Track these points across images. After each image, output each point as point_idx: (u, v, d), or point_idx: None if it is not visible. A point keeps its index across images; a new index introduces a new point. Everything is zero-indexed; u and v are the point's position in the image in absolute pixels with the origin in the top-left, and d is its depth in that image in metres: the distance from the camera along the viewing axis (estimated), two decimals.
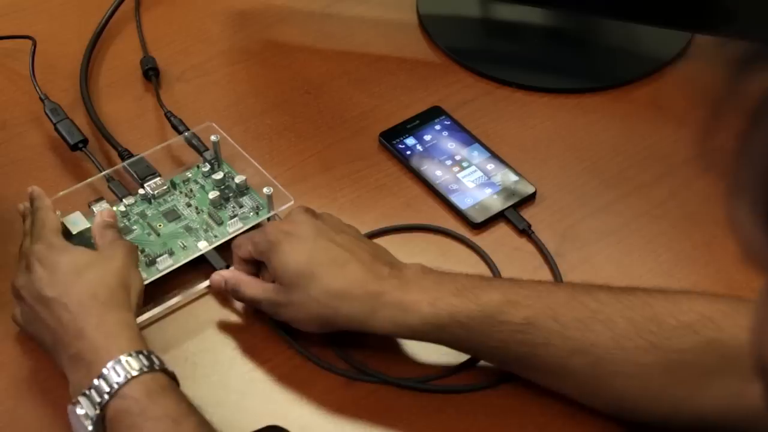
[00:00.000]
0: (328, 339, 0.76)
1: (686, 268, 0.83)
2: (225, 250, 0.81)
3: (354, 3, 1.09)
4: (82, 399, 0.65)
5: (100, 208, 0.83)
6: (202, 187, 0.86)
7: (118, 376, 0.65)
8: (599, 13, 1.01)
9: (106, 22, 1.04)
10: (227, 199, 0.85)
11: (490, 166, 0.90)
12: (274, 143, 0.93)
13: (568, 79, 1.00)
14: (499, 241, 0.85)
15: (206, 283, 0.80)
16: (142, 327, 0.77)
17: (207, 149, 0.88)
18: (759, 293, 0.40)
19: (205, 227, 0.83)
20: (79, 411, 0.65)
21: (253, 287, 0.76)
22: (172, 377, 0.68)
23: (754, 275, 0.40)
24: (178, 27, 1.06)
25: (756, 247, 0.38)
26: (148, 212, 0.84)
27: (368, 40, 1.05)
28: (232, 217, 0.83)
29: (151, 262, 0.80)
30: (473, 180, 0.89)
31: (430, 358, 0.76)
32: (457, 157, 0.91)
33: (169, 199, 0.85)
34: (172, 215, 0.84)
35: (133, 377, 0.65)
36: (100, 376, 0.65)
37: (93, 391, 0.65)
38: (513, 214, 0.86)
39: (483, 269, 0.83)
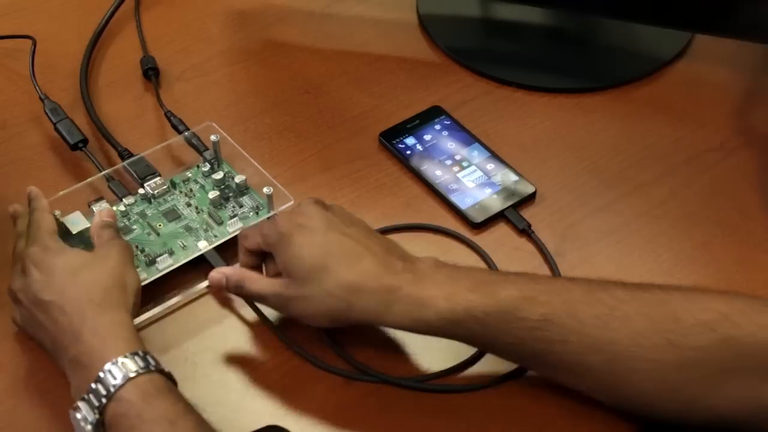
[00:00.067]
0: (328, 339, 0.76)
1: (686, 268, 0.83)
2: (225, 250, 0.81)
3: (354, 3, 1.09)
4: (81, 404, 0.65)
5: (100, 207, 0.83)
6: (202, 186, 0.86)
7: (114, 379, 0.65)
8: (599, 13, 1.01)
9: (106, 21, 1.04)
10: (227, 199, 0.85)
11: (490, 166, 0.90)
12: (274, 143, 0.93)
13: (568, 79, 1.00)
14: (499, 240, 0.85)
15: (206, 282, 0.79)
16: (142, 327, 0.77)
17: (207, 149, 0.88)
18: None
19: (205, 227, 0.83)
20: (79, 416, 0.65)
21: (259, 282, 0.74)
22: (169, 377, 0.67)
23: (754, 275, 0.40)
24: (178, 27, 1.06)
25: None
26: (148, 212, 0.84)
27: (368, 40, 1.05)
28: (232, 217, 0.83)
29: (151, 262, 0.80)
30: (473, 180, 0.89)
31: (430, 358, 0.76)
32: (457, 157, 0.91)
33: (169, 198, 0.85)
34: (172, 215, 0.84)
35: (129, 379, 0.65)
36: (97, 380, 0.65)
37: (91, 396, 0.65)
38: (513, 213, 0.86)
39: None
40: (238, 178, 0.85)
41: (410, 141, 0.92)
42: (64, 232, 0.80)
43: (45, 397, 0.73)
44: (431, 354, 0.76)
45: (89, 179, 0.86)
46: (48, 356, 0.72)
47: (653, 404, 0.68)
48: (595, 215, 0.87)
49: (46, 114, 0.91)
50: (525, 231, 0.85)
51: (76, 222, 0.81)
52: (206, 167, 0.87)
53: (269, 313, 0.78)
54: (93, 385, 0.65)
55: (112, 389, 0.64)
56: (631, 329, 0.66)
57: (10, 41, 1.01)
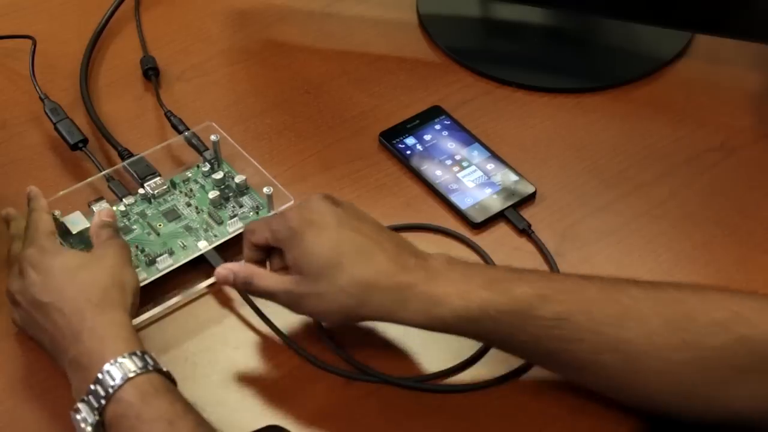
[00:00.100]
0: (328, 339, 0.76)
1: (686, 268, 0.83)
2: (225, 249, 0.81)
3: (354, 2, 1.09)
4: (81, 405, 0.65)
5: (100, 207, 0.83)
6: (202, 186, 0.86)
7: (113, 380, 0.64)
8: (599, 13, 1.01)
9: (106, 21, 1.04)
10: (227, 199, 0.85)
11: (490, 166, 0.90)
12: (274, 143, 0.93)
13: (568, 79, 1.00)
14: (499, 240, 0.85)
15: (206, 283, 0.80)
16: (142, 327, 0.77)
17: (207, 149, 0.88)
18: None
19: (205, 227, 0.83)
20: (79, 417, 0.65)
21: (268, 279, 0.72)
22: (168, 377, 0.67)
23: (754, 275, 0.40)
24: (178, 27, 1.06)
25: None
26: (148, 212, 0.84)
27: (368, 40, 1.05)
28: (232, 217, 0.83)
29: (151, 262, 0.80)
30: (473, 180, 0.89)
31: (430, 358, 0.76)
32: (457, 157, 0.91)
33: (169, 198, 0.85)
34: (172, 215, 0.84)
35: (128, 380, 0.64)
36: (96, 381, 0.65)
37: (91, 397, 0.65)
38: (513, 213, 0.86)
39: None
40: (238, 178, 0.85)
41: (410, 141, 0.92)
42: (64, 232, 0.80)
43: (45, 397, 0.73)
44: (431, 354, 0.76)
45: (89, 179, 0.86)
46: (48, 356, 0.72)
47: (668, 403, 0.67)
48: (595, 215, 0.87)
49: (46, 114, 0.91)
50: (525, 231, 0.85)
51: (76, 222, 0.81)
52: (206, 167, 0.87)
53: (269, 312, 0.78)
54: (92, 387, 0.65)
55: (110, 390, 0.64)
56: (646, 329, 0.66)
57: (10, 41, 1.01)
